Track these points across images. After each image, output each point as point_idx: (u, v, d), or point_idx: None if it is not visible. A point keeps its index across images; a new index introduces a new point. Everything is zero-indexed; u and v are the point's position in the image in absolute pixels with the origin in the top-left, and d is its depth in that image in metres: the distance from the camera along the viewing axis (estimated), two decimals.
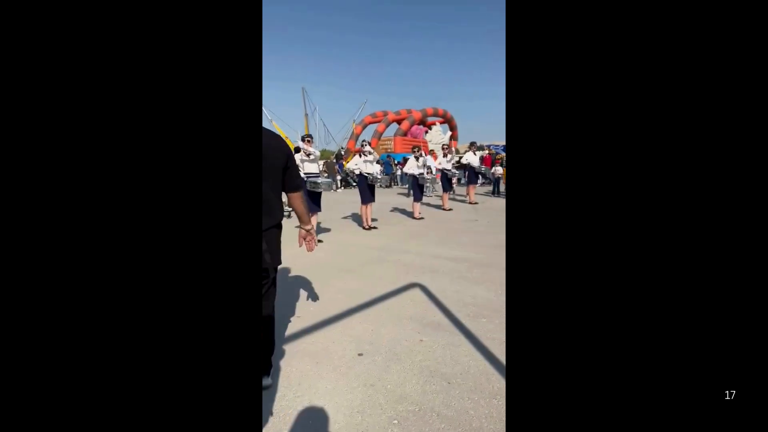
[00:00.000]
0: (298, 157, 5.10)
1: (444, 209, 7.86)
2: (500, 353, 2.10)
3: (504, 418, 1.58)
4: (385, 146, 20.87)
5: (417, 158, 6.93)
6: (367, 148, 5.89)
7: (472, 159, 8.64)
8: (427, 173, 7.23)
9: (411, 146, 9.60)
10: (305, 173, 4.86)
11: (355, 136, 23.15)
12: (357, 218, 6.71)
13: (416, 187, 6.85)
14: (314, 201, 4.95)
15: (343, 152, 18.74)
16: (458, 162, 9.68)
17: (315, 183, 4.82)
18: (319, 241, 5.04)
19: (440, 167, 8.02)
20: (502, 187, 10.48)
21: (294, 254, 3.59)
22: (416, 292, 3.08)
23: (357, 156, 5.96)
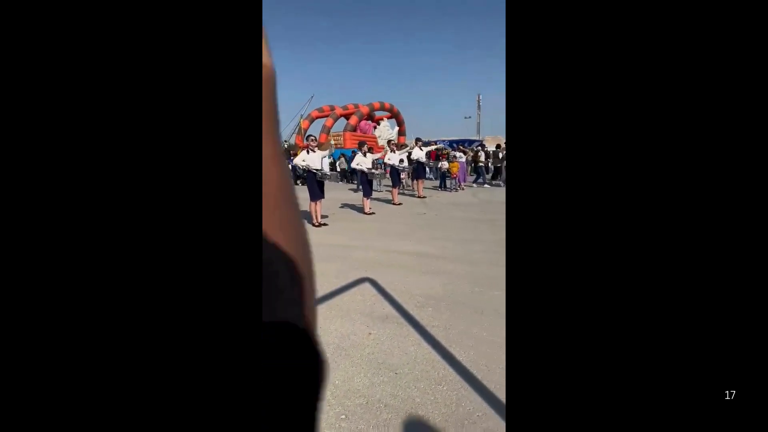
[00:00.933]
0: None
1: (394, 204, 7.96)
2: (444, 340, 2.18)
3: (448, 403, 1.65)
4: (336, 141, 20.63)
5: (364, 154, 6.94)
6: (315, 143, 5.80)
7: (419, 154, 8.84)
8: (376, 169, 7.27)
9: (360, 142, 9.55)
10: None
11: (303, 131, 22.62)
12: (306, 215, 6.57)
13: (365, 182, 6.87)
14: None
15: (286, 146, 18.19)
16: (408, 156, 9.86)
17: None
18: None
19: (390, 162, 8.11)
20: (449, 182, 10.85)
21: None
22: (366, 287, 3.11)
23: (304, 152, 5.84)
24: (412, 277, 3.32)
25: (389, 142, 8.25)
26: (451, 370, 1.90)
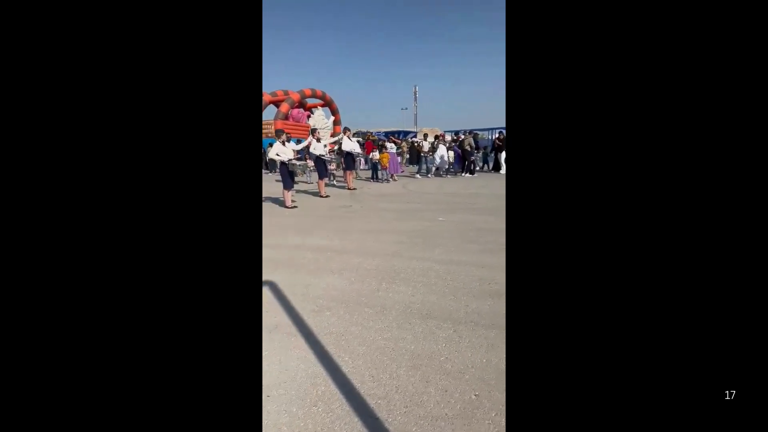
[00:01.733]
0: None
1: (321, 196, 7.62)
2: (335, 349, 1.97)
3: (318, 430, 1.44)
4: (266, 130, 19.51)
5: (283, 143, 6.48)
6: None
7: (348, 144, 8.55)
8: (298, 160, 6.85)
9: (293, 131, 8.88)
10: None
11: None
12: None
13: (285, 174, 6.42)
14: None
15: None
16: (340, 148, 9.53)
17: None
18: None
19: (316, 153, 7.72)
20: (380, 173, 10.72)
21: None
22: (265, 292, 2.79)
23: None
24: (317, 277, 3.06)
25: (313, 131, 7.81)
26: (333, 386, 1.69)
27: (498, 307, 2.38)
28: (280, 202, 6.83)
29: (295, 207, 6.46)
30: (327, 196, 7.65)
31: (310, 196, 7.84)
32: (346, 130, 8.83)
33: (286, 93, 20.54)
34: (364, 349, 1.99)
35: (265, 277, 3.08)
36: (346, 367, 1.83)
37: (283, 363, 1.87)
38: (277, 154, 6.44)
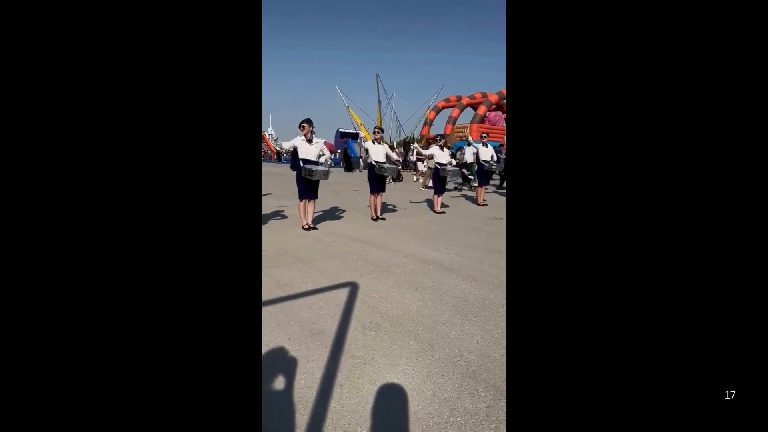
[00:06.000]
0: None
1: (478, 204, 7.18)
2: (345, 375, 1.80)
3: None
4: (460, 134, 19.90)
5: (441, 148, 6.39)
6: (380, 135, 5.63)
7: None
8: (451, 166, 6.61)
9: (489, 134, 8.39)
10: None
11: (429, 122, 22.52)
12: (385, 209, 6.45)
13: (436, 179, 6.35)
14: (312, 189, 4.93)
15: (410, 140, 18.31)
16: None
17: (311, 171, 4.76)
18: (314, 228, 5.03)
19: (481, 159, 7.31)
20: None
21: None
22: (338, 294, 2.86)
23: (369, 142, 5.72)
24: (397, 290, 2.89)
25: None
26: (306, 408, 1.55)
27: None
28: (444, 205, 6.70)
29: (443, 212, 6.32)
30: (484, 205, 7.12)
31: (468, 203, 7.49)
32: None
33: (484, 96, 20.27)
34: (371, 387, 1.74)
35: (356, 278, 3.15)
36: (335, 402, 1.65)
37: (266, 381, 1.86)
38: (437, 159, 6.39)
